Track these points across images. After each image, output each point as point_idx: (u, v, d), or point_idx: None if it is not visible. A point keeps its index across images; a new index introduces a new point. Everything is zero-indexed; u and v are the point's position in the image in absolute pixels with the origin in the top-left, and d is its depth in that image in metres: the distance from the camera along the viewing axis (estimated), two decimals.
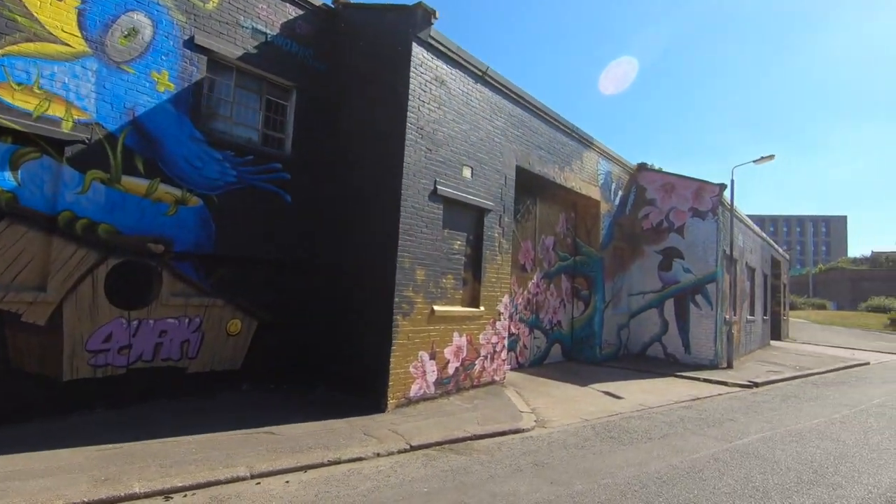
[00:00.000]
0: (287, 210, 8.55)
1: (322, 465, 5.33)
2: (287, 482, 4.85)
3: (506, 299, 9.73)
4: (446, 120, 8.41)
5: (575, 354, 13.50)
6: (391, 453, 5.78)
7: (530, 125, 10.65)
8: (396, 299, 7.41)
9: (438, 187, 8.14)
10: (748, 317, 18.29)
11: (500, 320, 9.56)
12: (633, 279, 15.34)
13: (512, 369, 11.19)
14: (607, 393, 9.82)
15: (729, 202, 14.67)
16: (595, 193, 13.22)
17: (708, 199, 14.33)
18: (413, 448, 5.99)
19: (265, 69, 8.27)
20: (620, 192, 14.66)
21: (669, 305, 14.69)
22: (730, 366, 13.96)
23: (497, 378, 9.48)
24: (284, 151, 8.65)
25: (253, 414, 6.74)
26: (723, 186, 14.16)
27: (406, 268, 7.59)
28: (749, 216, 23.58)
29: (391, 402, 7.30)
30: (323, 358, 8.42)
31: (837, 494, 4.92)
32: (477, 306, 9.06)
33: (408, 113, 7.67)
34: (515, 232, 11.45)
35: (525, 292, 11.77)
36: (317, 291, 8.66)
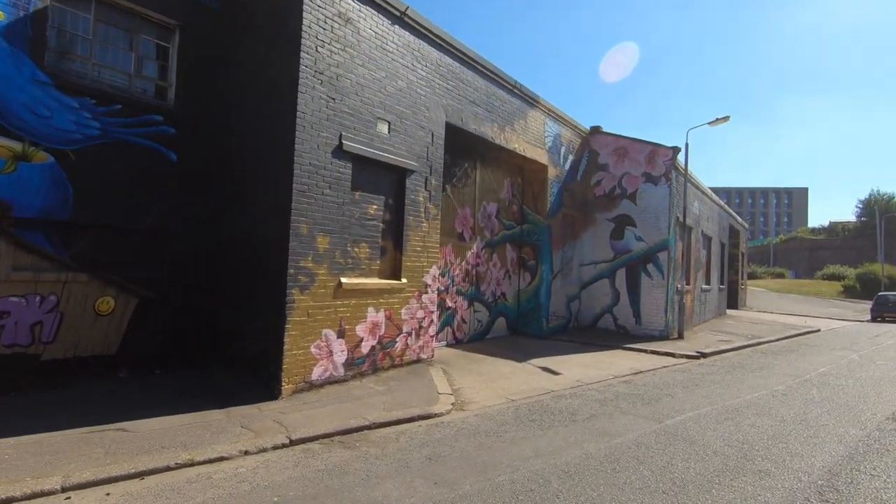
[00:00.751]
0: (172, 170, 7.39)
1: (168, 469, 4.41)
2: (107, 495, 3.92)
3: (434, 270, 8.86)
4: (354, 65, 7.31)
5: (521, 328, 12.84)
6: (263, 450, 4.90)
7: (463, 78, 9.60)
8: (291, 271, 6.43)
9: (345, 142, 7.09)
10: (703, 286, 18.00)
11: (427, 293, 8.70)
12: (584, 249, 14.69)
13: (447, 345, 10.43)
14: (545, 369, 9.15)
15: (683, 166, 14.03)
16: (542, 157, 12.34)
17: (661, 164, 13.66)
18: (293, 443, 5.12)
19: (137, 2, 6.97)
20: (571, 157, 13.83)
21: (621, 275, 14.13)
22: (680, 336, 13.56)
23: (424, 356, 8.67)
24: (167, 102, 7.43)
25: (112, 406, 5.74)
26: (676, 150, 13.48)
27: (303, 234, 6.59)
28: (714, 189, 23.35)
29: (286, 387, 6.39)
30: (220, 338, 7.44)
31: (763, 485, 4.29)
32: (398, 278, 8.16)
33: (302, 53, 6.54)
34: (451, 197, 10.52)
35: (463, 263, 10.93)
36: (211, 262, 7.61)
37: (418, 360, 8.55)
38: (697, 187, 16.79)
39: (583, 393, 7.67)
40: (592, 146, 14.80)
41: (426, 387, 7.32)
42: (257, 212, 7.02)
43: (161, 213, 7.25)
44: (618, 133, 14.48)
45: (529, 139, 11.80)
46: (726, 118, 13.62)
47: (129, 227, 6.97)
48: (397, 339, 8.13)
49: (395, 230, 8.18)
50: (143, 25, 7.19)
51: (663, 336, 13.31)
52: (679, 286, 13.97)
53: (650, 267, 13.67)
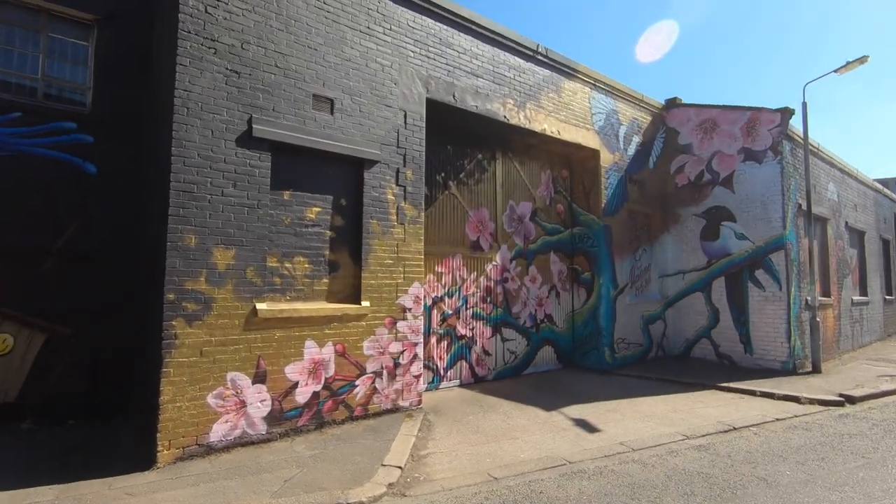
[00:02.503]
0: (90, 183, 6.37)
1: None
2: None
3: (416, 289, 6.77)
4: (271, 30, 5.71)
5: (578, 360, 10.04)
6: None
7: (453, 43, 7.56)
8: (171, 295, 4.86)
9: (256, 127, 5.46)
10: (855, 298, 13.27)
11: (404, 319, 6.63)
12: (665, 254, 11.41)
13: (462, 385, 8.15)
14: (580, 422, 6.48)
15: (801, 135, 10.26)
16: (590, 140, 9.67)
17: (765, 134, 10.08)
18: None
19: None
20: (637, 140, 10.86)
21: (719, 287, 10.60)
22: (815, 369, 9.63)
23: (404, 402, 6.55)
24: (83, 107, 6.48)
25: None
26: (787, 112, 9.84)
27: (190, 247, 5.01)
28: (878, 181, 18.07)
29: (164, 452, 4.75)
30: (135, 382, 6.12)
31: None
32: (355, 301, 6.23)
33: (180, 15, 5.10)
34: (457, 196, 8.39)
35: (482, 279, 8.64)
36: (133, 287, 6.39)
37: (394, 409, 6.46)
38: (832, 163, 12.48)
39: (616, 469, 4.97)
40: (669, 124, 11.61)
41: (373, 453, 5.21)
42: (151, 223, 5.65)
43: (77, 233, 6.23)
44: (701, 103, 11.16)
45: (567, 118, 9.26)
46: (863, 59, 9.66)
47: (36, 250, 6.00)
48: (357, 382, 6.14)
49: (350, 239, 6.31)
50: (54, 23, 6.36)
51: (787, 369, 9.52)
52: (809, 298, 10.06)
53: (760, 274, 10.02)
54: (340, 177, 6.27)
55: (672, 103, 11.56)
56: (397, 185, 6.69)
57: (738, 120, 10.49)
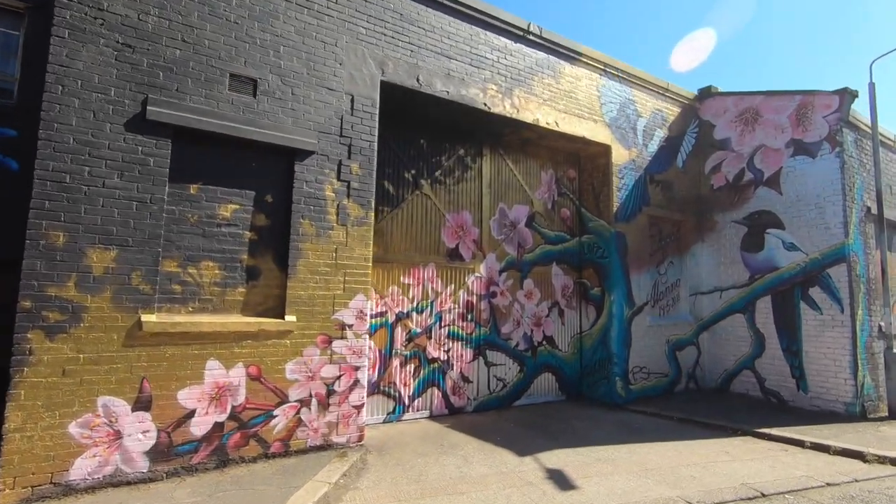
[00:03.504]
0: (12, 182, 5.87)
1: None
2: None
3: (360, 302, 5.72)
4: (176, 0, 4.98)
5: (586, 390, 8.54)
6: None
7: (418, 19, 6.58)
8: (26, 302, 4.11)
9: (152, 108, 4.70)
10: None
11: (343, 338, 5.59)
12: (699, 268, 9.69)
13: (431, 417, 6.96)
14: (553, 475, 5.12)
15: (868, 122, 8.36)
16: (599, 133, 8.32)
17: (820, 122, 8.28)
18: None
19: None
20: (661, 134, 9.34)
21: (765, 308, 8.77)
22: (892, 415, 7.60)
23: (339, 438, 5.47)
24: (11, 100, 6.03)
25: None
26: (849, 94, 8.03)
27: (56, 247, 4.26)
28: None
29: (7, 492, 3.94)
30: None
31: None
32: (278, 315, 5.28)
33: None
34: (430, 197, 7.31)
35: (462, 292, 7.46)
36: None
37: (326, 446, 5.38)
38: None
39: None
40: (703, 116, 9.98)
41: None
42: None
43: None
44: (742, 90, 9.48)
45: (568, 108, 7.98)
46: None
47: None
48: (276, 412, 5.14)
49: (276, 241, 5.39)
50: None
51: (853, 413, 7.56)
52: (883, 324, 8.04)
53: (815, 292, 8.14)
54: (265, 169, 5.39)
55: (706, 93, 9.94)
56: (339, 180, 5.72)
57: (785, 107, 8.75)
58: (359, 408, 5.63)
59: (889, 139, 9.20)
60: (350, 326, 5.64)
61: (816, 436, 6.62)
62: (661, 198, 9.17)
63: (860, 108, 8.48)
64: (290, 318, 5.27)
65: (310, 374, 5.35)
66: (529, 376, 8.05)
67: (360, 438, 5.62)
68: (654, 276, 9.08)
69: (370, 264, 5.87)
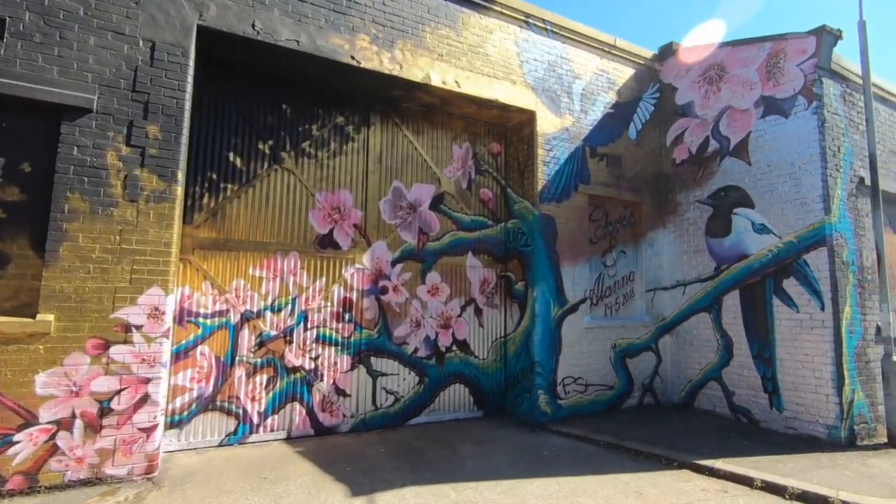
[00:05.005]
0: None
1: None
2: None
3: (155, 298, 4.55)
4: None
5: (510, 405, 7.12)
6: None
7: None
8: None
9: None
10: None
11: (127, 342, 4.43)
12: (658, 259, 8.10)
13: (296, 437, 5.73)
14: None
15: (860, 72, 6.65)
16: (518, 97, 6.94)
17: (794, 72, 6.64)
18: None
19: None
20: (606, 99, 7.84)
21: (732, 305, 7.14)
22: (892, 442, 5.88)
23: (117, 470, 4.30)
24: None
25: None
26: (826, 35, 6.37)
27: None
28: None
29: None
30: None
31: None
32: (28, 313, 4.17)
33: None
34: (294, 173, 6.10)
35: (337, 287, 6.20)
36: None
37: (97, 480, 4.22)
38: None
39: None
40: (664, 79, 8.41)
41: None
42: None
43: None
44: (707, 43, 7.86)
45: (474, 65, 6.64)
46: None
47: None
48: (17, 437, 4.02)
49: (31, 220, 4.29)
50: None
51: (836, 439, 5.87)
52: (881, 324, 6.29)
53: (790, 284, 6.49)
54: (19, 130, 4.31)
55: (668, 51, 8.38)
56: (129, 145, 4.59)
57: (754, 58, 7.12)
58: (149, 430, 4.45)
59: (892, 93, 7.42)
60: (139, 328, 4.47)
61: (778, 471, 5.04)
62: (606, 175, 7.66)
63: (846, 54, 6.80)
64: (44, 316, 4.15)
65: (73, 389, 4.21)
66: (433, 389, 6.70)
67: (151, 469, 4.43)
68: (597, 268, 7.58)
69: (173, 250, 4.70)
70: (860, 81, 6.68)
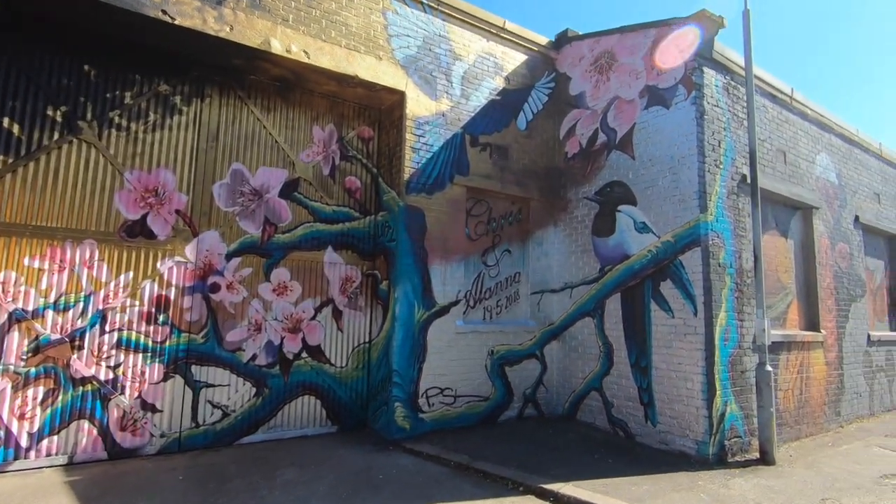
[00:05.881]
0: None
1: None
2: None
3: None
4: None
5: (371, 419, 6.36)
6: None
7: None
8: None
9: None
10: (881, 334, 8.68)
11: None
12: (548, 259, 7.55)
13: (82, 463, 4.76)
14: None
15: (742, 64, 6.27)
16: (385, 75, 6.22)
17: (676, 57, 6.21)
18: None
19: None
20: (492, 85, 7.23)
21: (614, 309, 6.64)
22: (765, 458, 5.45)
23: None
24: None
25: None
26: (707, 21, 5.97)
27: None
28: None
29: None
30: None
31: None
32: None
33: None
34: (97, 145, 5.15)
35: (148, 283, 5.27)
36: None
37: None
38: (823, 124, 8.16)
39: None
40: (560, 68, 7.91)
41: None
42: None
43: None
44: (603, 30, 7.38)
45: (327, 33, 5.88)
46: None
47: None
48: None
49: None
50: None
51: (704, 456, 5.40)
52: (757, 332, 5.87)
53: (667, 287, 6.02)
54: None
55: (564, 38, 7.88)
56: None
57: (640, 45, 6.68)
58: None
59: (782, 91, 7.14)
60: None
61: (627, 495, 4.47)
62: (489, 166, 7.05)
63: (731, 44, 6.44)
64: None
65: None
66: (274, 401, 5.85)
67: None
68: (476, 267, 6.94)
69: None
70: (741, 72, 6.30)
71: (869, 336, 8.24)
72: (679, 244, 5.90)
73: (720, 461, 5.40)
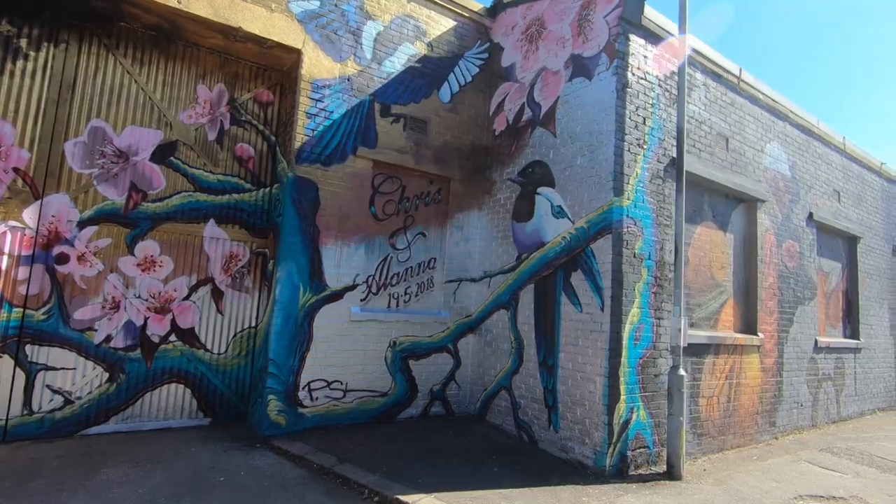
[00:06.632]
0: None
1: None
2: None
3: None
4: None
5: (250, 412, 5.76)
6: None
7: None
8: None
9: None
10: (829, 340, 8.11)
11: None
12: (468, 245, 6.92)
13: None
14: None
15: (676, 33, 5.62)
16: (277, 30, 5.55)
17: (601, 26, 5.56)
18: None
19: None
20: (412, 51, 6.57)
21: (528, 301, 6.03)
22: (672, 473, 4.87)
23: None
24: None
25: None
26: None
27: None
28: None
29: None
30: None
31: None
32: None
33: None
34: None
35: None
36: None
37: None
38: (775, 110, 7.53)
39: None
40: (494, 38, 7.24)
41: None
42: None
43: None
44: None
45: None
46: None
47: None
48: None
49: None
50: None
51: (600, 467, 4.81)
52: (673, 332, 5.27)
53: (577, 278, 5.41)
54: None
55: (499, 5, 7.21)
56: None
57: (568, 10, 6.02)
58: None
59: (729, 71, 6.50)
60: None
61: None
62: (402, 140, 6.39)
63: (664, 11, 5.76)
64: None
65: None
66: (132, 388, 5.23)
67: None
68: (382, 250, 6.30)
69: None
70: (676, 41, 5.66)
71: (816, 342, 7.66)
72: (591, 231, 5.28)
73: (619, 474, 4.82)
